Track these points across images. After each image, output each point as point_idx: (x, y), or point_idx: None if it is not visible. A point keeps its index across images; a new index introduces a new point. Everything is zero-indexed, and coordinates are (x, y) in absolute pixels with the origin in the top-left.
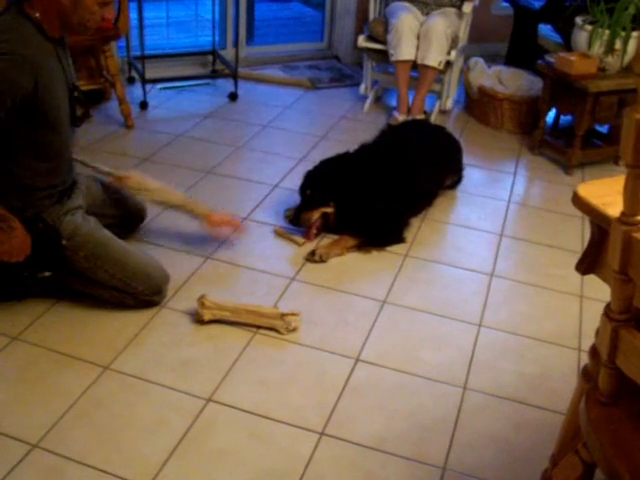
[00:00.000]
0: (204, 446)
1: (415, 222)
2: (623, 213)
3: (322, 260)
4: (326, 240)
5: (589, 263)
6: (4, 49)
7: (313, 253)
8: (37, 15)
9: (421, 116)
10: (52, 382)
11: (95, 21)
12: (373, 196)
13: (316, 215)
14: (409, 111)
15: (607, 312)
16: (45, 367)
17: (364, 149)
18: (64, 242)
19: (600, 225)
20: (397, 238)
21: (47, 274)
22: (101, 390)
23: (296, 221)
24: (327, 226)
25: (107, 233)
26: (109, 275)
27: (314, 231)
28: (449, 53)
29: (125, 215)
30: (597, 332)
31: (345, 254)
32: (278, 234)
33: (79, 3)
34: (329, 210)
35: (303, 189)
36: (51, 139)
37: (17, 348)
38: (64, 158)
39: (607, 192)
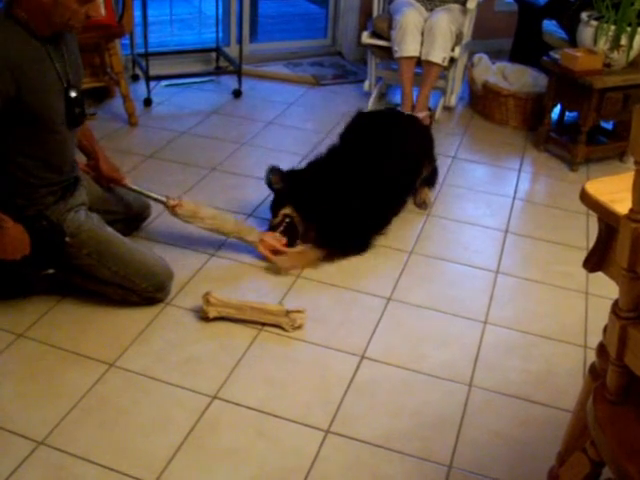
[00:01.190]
0: (209, 443)
1: (419, 219)
2: (632, 210)
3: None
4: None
5: (596, 261)
6: None
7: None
8: (24, 15)
9: (425, 113)
10: (57, 379)
11: (78, 20)
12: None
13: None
14: (413, 108)
15: (615, 310)
16: (50, 364)
17: (330, 154)
18: (68, 239)
19: (608, 222)
20: (364, 247)
21: (51, 271)
22: (106, 387)
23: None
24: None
25: (110, 230)
26: (112, 272)
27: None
28: (453, 50)
29: (129, 212)
30: (605, 330)
31: (312, 266)
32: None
33: (58, 2)
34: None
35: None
36: (48, 139)
37: (22, 345)
38: (65, 156)
39: (615, 189)
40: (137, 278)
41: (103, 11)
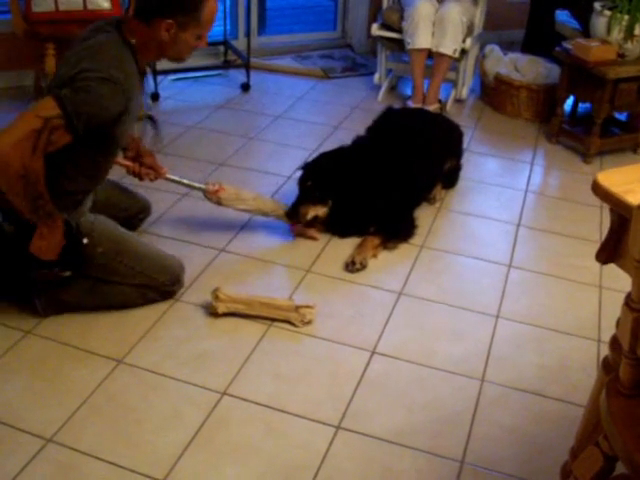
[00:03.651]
0: (219, 440)
1: (431, 213)
2: None
3: (363, 266)
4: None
5: (609, 252)
6: (107, 75)
7: (353, 263)
8: (134, 42)
9: (436, 105)
10: (66, 376)
11: (189, 52)
12: (374, 192)
13: (311, 213)
14: (424, 100)
15: (628, 302)
16: (58, 361)
17: (364, 141)
18: (85, 241)
19: (620, 213)
20: (412, 229)
21: (68, 273)
22: (115, 384)
23: (293, 214)
24: (313, 223)
25: (121, 228)
26: (129, 268)
27: (302, 228)
28: (464, 41)
29: (130, 211)
30: (618, 322)
31: (377, 255)
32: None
33: (179, 39)
34: (322, 211)
35: (303, 181)
36: (106, 160)
37: (30, 342)
38: (106, 175)
39: (627, 180)
40: (154, 272)
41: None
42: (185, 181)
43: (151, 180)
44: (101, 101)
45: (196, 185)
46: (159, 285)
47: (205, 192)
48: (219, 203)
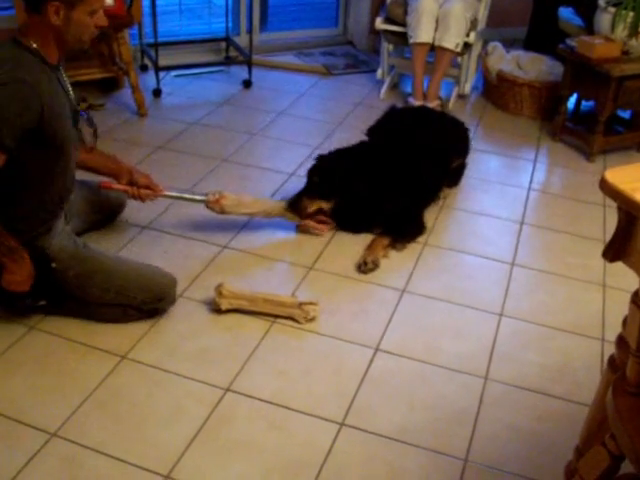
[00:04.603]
0: (222, 436)
1: (434, 210)
2: None
3: (376, 266)
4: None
5: (616, 250)
6: (4, 79)
7: (365, 263)
8: (34, 45)
9: (436, 102)
10: (70, 371)
11: (89, 33)
12: (384, 195)
13: (313, 207)
14: (425, 97)
15: (635, 300)
16: (63, 356)
17: (372, 143)
18: (53, 265)
19: (628, 211)
20: (421, 229)
21: (42, 303)
22: (119, 379)
23: (295, 205)
24: (319, 217)
25: (95, 249)
26: (103, 290)
27: (309, 221)
28: (468, 35)
29: (105, 212)
30: (624, 321)
31: (388, 255)
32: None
33: (70, 20)
34: (325, 206)
35: (311, 174)
36: (56, 165)
37: (34, 338)
38: (70, 182)
39: (635, 177)
40: (131, 291)
41: (111, 1)
42: (185, 195)
43: (151, 200)
44: (11, 105)
45: (197, 198)
46: (139, 304)
47: (206, 203)
48: (222, 212)
